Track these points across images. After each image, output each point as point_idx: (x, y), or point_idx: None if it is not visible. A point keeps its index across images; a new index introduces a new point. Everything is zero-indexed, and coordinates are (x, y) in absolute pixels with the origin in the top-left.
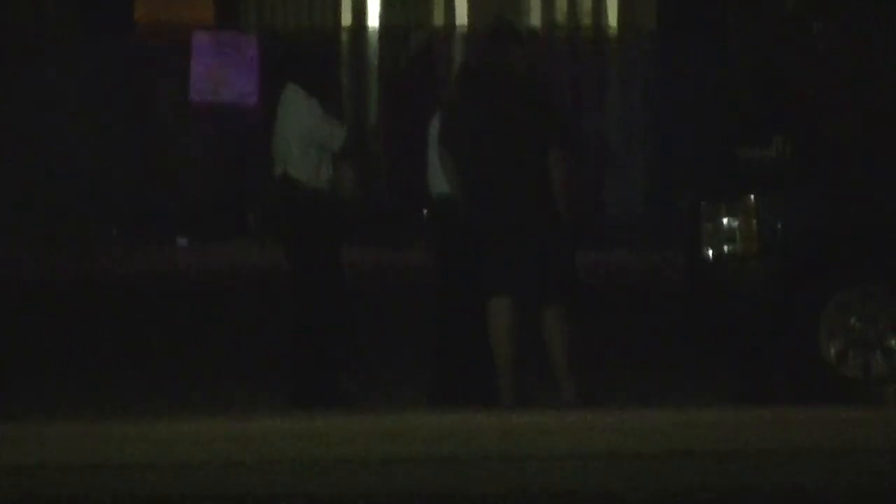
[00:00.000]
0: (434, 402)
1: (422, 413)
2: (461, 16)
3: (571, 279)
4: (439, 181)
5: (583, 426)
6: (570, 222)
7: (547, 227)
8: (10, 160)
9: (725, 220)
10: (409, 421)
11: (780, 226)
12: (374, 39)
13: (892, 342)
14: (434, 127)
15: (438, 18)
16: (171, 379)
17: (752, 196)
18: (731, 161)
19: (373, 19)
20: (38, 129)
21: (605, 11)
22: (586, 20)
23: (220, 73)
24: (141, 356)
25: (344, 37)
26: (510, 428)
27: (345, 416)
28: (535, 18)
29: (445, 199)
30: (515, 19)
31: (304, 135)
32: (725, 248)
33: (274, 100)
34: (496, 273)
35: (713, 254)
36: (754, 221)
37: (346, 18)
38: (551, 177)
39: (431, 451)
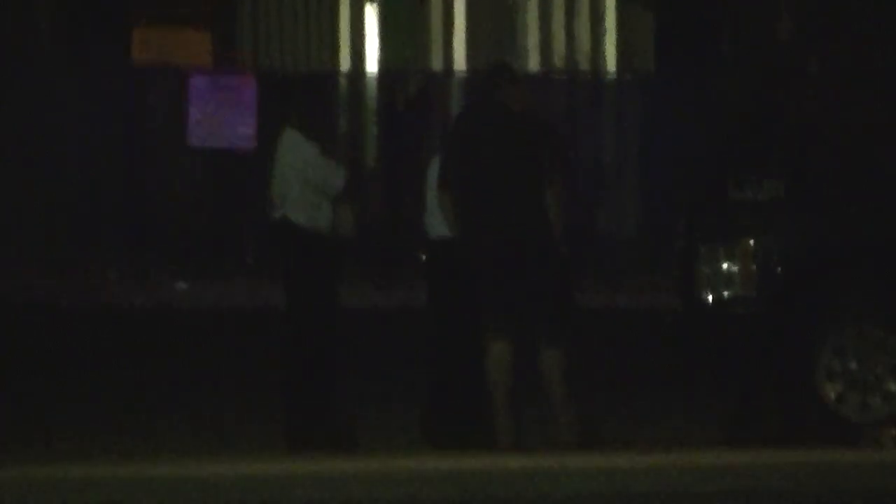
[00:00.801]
0: (431, 442)
1: (419, 456)
2: (459, 60)
3: (570, 320)
4: (437, 223)
5: (580, 469)
6: (568, 261)
7: (545, 266)
8: (7, 198)
9: (724, 265)
10: (406, 464)
11: (778, 269)
12: (372, 83)
13: (892, 386)
14: (433, 169)
15: (436, 63)
16: (166, 421)
17: (751, 240)
18: (726, 203)
19: (371, 63)
20: (36, 174)
21: (603, 55)
22: (584, 64)
23: (218, 117)
24: (136, 397)
25: (342, 80)
26: (509, 472)
27: (341, 459)
28: (533, 62)
29: (442, 241)
30: (512, 62)
31: (302, 178)
32: (725, 292)
33: (272, 142)
34: (494, 314)
35: (712, 298)
36: (753, 265)
37: (345, 62)
38: (552, 214)
39: (429, 494)
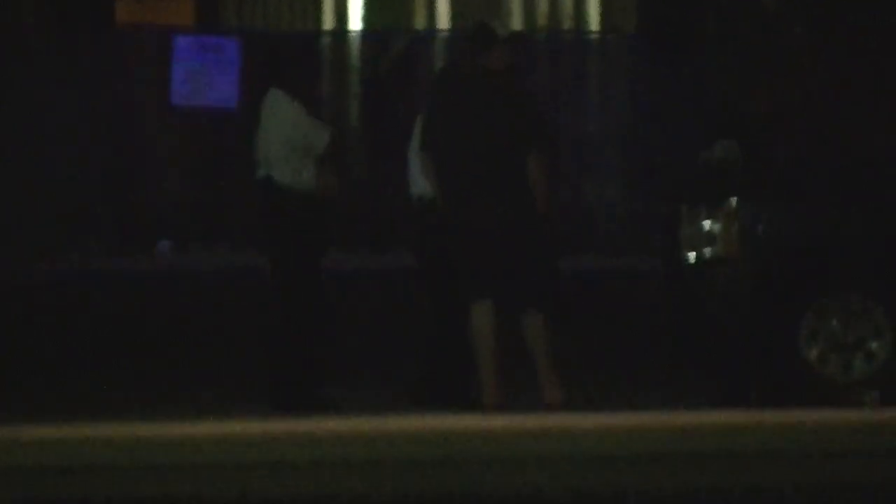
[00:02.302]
0: (417, 402)
1: (404, 416)
2: (442, 19)
3: (552, 284)
4: (420, 181)
5: (564, 429)
6: (551, 225)
7: (527, 230)
8: None
9: (706, 224)
10: (390, 424)
11: (760, 230)
12: (355, 42)
13: (873, 345)
14: (418, 127)
15: (420, 22)
16: (150, 382)
17: (734, 200)
18: (699, 164)
19: (354, 22)
20: (14, 134)
21: (586, 14)
22: (567, 23)
23: (201, 77)
24: (120, 359)
25: (325, 40)
26: (494, 431)
27: (325, 419)
28: (516, 22)
29: (424, 200)
30: (497, 22)
31: (287, 138)
32: (706, 251)
33: (257, 103)
34: (477, 277)
35: (694, 257)
36: (735, 225)
37: (328, 21)
38: (531, 179)
39: (414, 454)
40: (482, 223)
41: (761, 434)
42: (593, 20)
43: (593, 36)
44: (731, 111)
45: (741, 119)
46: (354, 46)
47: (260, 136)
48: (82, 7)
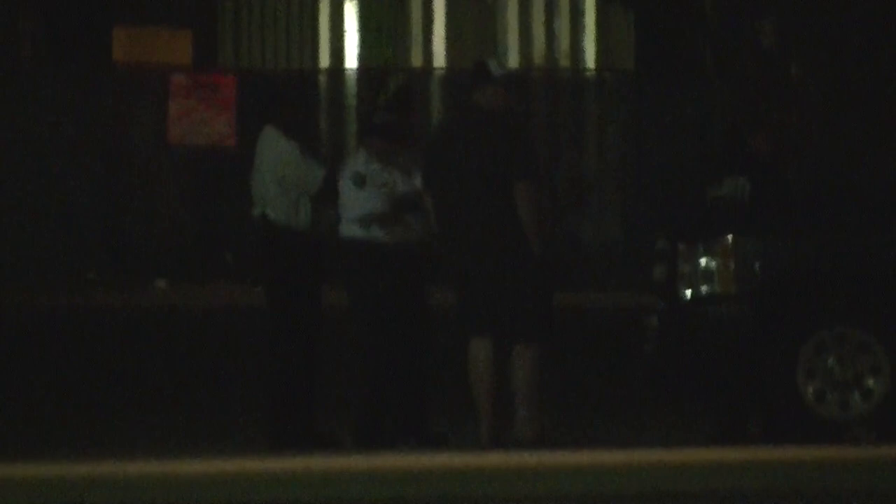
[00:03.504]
0: (361, 440)
1: (398, 454)
2: (438, 57)
3: (544, 318)
4: (347, 222)
5: (563, 466)
6: (543, 258)
7: (518, 264)
8: None
9: (703, 261)
10: (385, 462)
11: (756, 267)
12: (352, 80)
13: (870, 382)
14: (345, 167)
15: (416, 60)
16: (149, 419)
17: (730, 237)
18: (707, 202)
19: (351, 61)
20: (11, 170)
21: (583, 52)
22: (564, 61)
23: (198, 115)
24: (118, 396)
25: (322, 78)
26: (490, 469)
27: (322, 457)
28: (513, 60)
29: (353, 241)
30: (495, 62)
31: (282, 176)
32: (703, 288)
33: (253, 141)
34: (473, 313)
35: (690, 294)
36: (732, 262)
37: (324, 59)
38: (519, 212)
39: (409, 492)
40: (476, 259)
41: (759, 472)
42: (590, 57)
43: (590, 73)
44: (738, 147)
45: (747, 155)
46: (351, 84)
47: (255, 174)
48: (79, 43)
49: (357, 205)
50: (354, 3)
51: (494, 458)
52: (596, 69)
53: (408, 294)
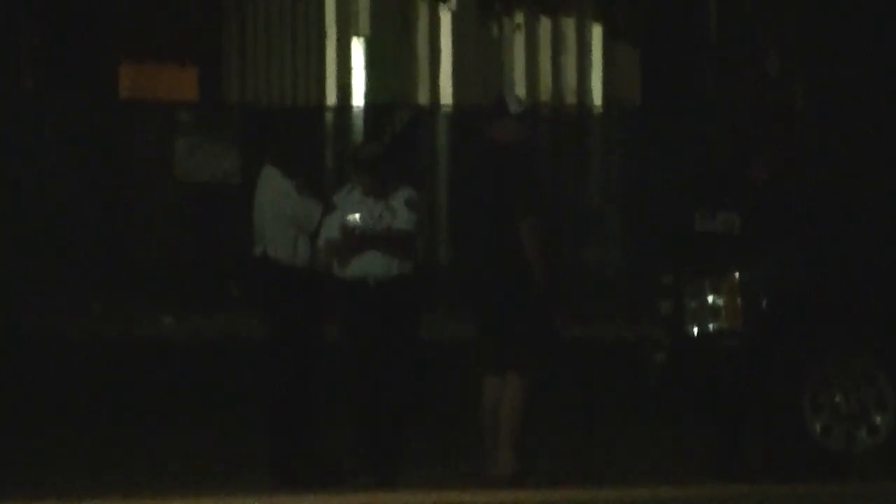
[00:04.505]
0: (283, 481)
1: (400, 490)
2: (445, 94)
3: (536, 350)
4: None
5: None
6: (547, 292)
7: (516, 299)
8: None
9: (710, 298)
10: (392, 499)
11: (763, 303)
12: (358, 118)
13: (877, 419)
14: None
15: (422, 96)
16: (151, 454)
17: (737, 274)
18: (694, 232)
19: (357, 98)
20: (16, 201)
21: (590, 88)
22: (570, 98)
23: (205, 152)
24: (120, 430)
25: (328, 115)
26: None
27: (325, 493)
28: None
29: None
30: (514, 97)
31: (280, 215)
32: (710, 325)
33: (254, 178)
34: (485, 350)
35: (698, 331)
36: (738, 299)
37: (330, 95)
38: (524, 247)
39: None
40: (485, 294)
41: None
42: (596, 93)
43: (597, 109)
44: (730, 181)
45: (740, 188)
46: (357, 121)
47: (256, 213)
48: (84, 79)
49: (320, 233)
50: (361, 39)
51: (506, 495)
52: (602, 104)
53: (371, 331)
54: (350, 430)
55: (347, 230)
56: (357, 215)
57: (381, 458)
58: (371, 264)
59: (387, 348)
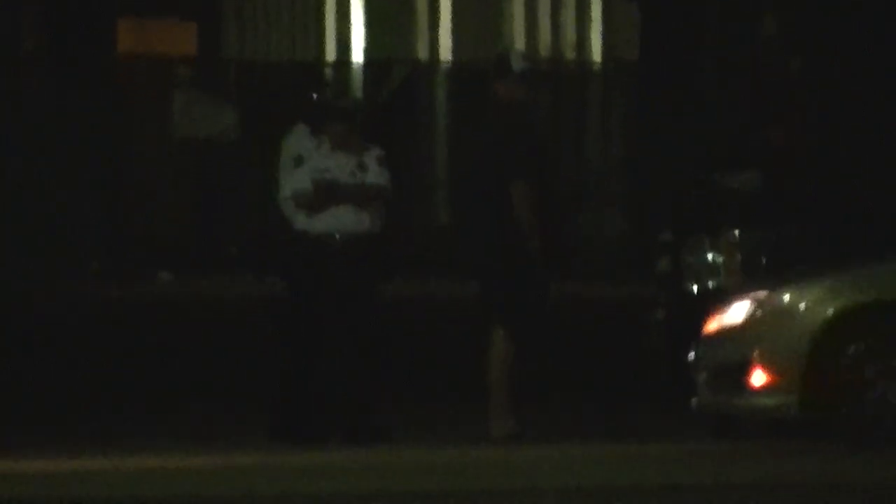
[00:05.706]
0: (279, 438)
1: (405, 448)
2: (444, 50)
3: (522, 305)
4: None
5: (579, 458)
6: (537, 251)
7: (509, 258)
8: None
9: (709, 256)
10: (389, 456)
11: (763, 261)
12: (357, 73)
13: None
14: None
15: (421, 52)
16: (151, 413)
17: (736, 231)
18: (715, 190)
19: (356, 52)
20: (14, 162)
21: (589, 44)
22: (569, 53)
23: (203, 107)
24: (122, 389)
25: (327, 70)
26: (509, 462)
27: (325, 451)
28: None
29: (304, 234)
30: (516, 54)
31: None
32: (709, 282)
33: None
34: (488, 307)
35: (697, 288)
36: (738, 256)
37: (329, 51)
38: (517, 208)
39: (413, 486)
40: (480, 252)
41: (757, 466)
42: (596, 50)
43: (596, 66)
44: (750, 140)
45: (764, 148)
46: (356, 76)
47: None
48: (83, 34)
49: (287, 185)
50: None
51: (509, 453)
52: (601, 61)
53: (341, 288)
54: (303, 389)
55: (320, 183)
56: (328, 167)
57: (361, 414)
58: (342, 219)
59: (346, 307)
